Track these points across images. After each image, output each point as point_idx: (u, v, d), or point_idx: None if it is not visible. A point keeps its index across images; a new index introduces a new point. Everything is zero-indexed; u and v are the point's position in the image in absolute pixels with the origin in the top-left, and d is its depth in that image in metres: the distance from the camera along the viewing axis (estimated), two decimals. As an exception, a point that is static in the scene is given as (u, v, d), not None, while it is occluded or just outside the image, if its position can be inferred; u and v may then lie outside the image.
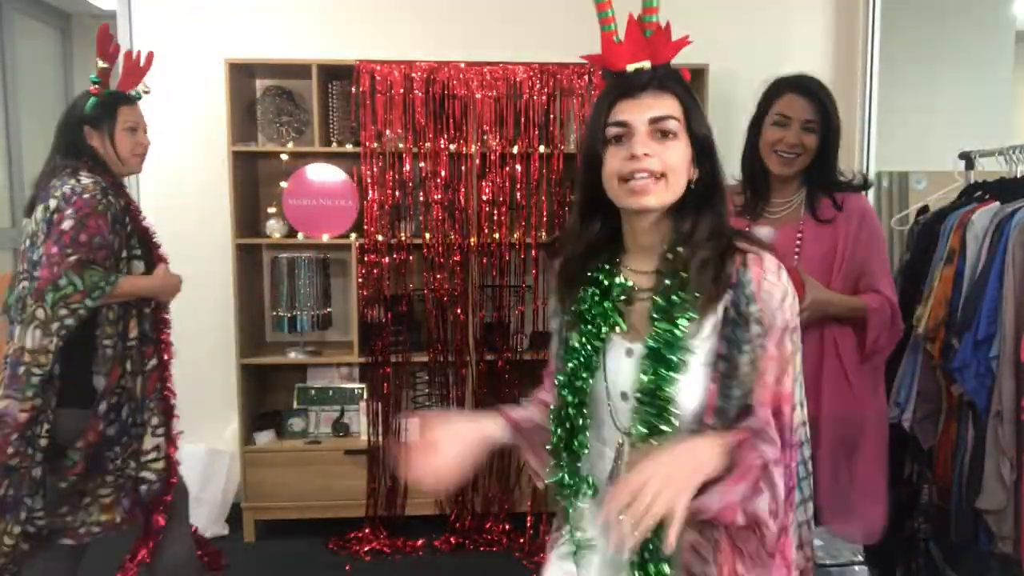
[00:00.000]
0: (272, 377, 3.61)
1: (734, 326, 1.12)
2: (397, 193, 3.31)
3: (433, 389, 3.42)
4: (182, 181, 3.49)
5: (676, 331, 1.12)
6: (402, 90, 3.24)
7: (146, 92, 2.34)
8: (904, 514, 2.28)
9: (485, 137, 3.27)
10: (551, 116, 3.32)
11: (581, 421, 1.21)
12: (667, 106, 1.14)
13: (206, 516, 3.24)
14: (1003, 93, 4.31)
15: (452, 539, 3.26)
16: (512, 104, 3.27)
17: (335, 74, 3.38)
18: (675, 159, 1.14)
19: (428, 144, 3.27)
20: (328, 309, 3.50)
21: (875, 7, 3.56)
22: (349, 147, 3.35)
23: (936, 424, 2.16)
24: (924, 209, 2.50)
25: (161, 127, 3.53)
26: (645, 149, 1.12)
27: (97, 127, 2.18)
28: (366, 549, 3.21)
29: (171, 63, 3.50)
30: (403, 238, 3.34)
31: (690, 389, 1.13)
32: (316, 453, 3.32)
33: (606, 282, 1.21)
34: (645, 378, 1.14)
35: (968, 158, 2.51)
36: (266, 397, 3.60)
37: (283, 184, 3.38)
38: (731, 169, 1.98)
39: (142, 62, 2.31)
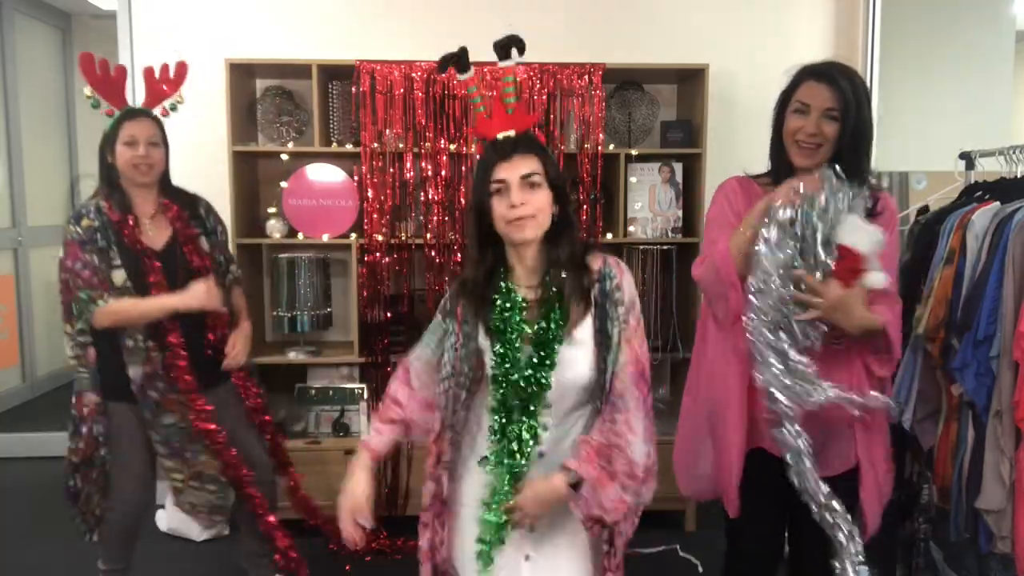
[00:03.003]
0: (272, 377, 3.60)
1: (604, 307, 1.56)
2: (397, 193, 3.31)
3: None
4: (182, 181, 3.48)
5: (550, 331, 1.54)
6: (402, 90, 3.24)
7: (177, 104, 2.57)
8: (904, 514, 2.28)
9: (485, 137, 3.27)
10: (551, 116, 3.32)
11: (517, 412, 1.56)
12: (531, 165, 1.54)
13: (206, 516, 3.23)
14: (1003, 93, 4.31)
15: (452, 539, 3.26)
16: (512, 104, 3.27)
17: (335, 74, 3.38)
18: (541, 202, 1.54)
19: (428, 144, 3.27)
20: (328, 309, 3.49)
21: (875, 7, 3.56)
22: (349, 147, 3.35)
23: (936, 424, 2.16)
24: (924, 209, 2.50)
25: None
26: (520, 199, 1.52)
27: (109, 144, 2.34)
28: (366, 549, 3.21)
29: (171, 63, 3.50)
30: (403, 238, 3.34)
31: (584, 357, 1.57)
32: (316, 453, 3.32)
33: (509, 299, 1.58)
34: (527, 359, 1.55)
35: (968, 158, 2.51)
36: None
37: (283, 184, 3.38)
38: (740, 163, 1.99)
39: (171, 74, 2.53)
